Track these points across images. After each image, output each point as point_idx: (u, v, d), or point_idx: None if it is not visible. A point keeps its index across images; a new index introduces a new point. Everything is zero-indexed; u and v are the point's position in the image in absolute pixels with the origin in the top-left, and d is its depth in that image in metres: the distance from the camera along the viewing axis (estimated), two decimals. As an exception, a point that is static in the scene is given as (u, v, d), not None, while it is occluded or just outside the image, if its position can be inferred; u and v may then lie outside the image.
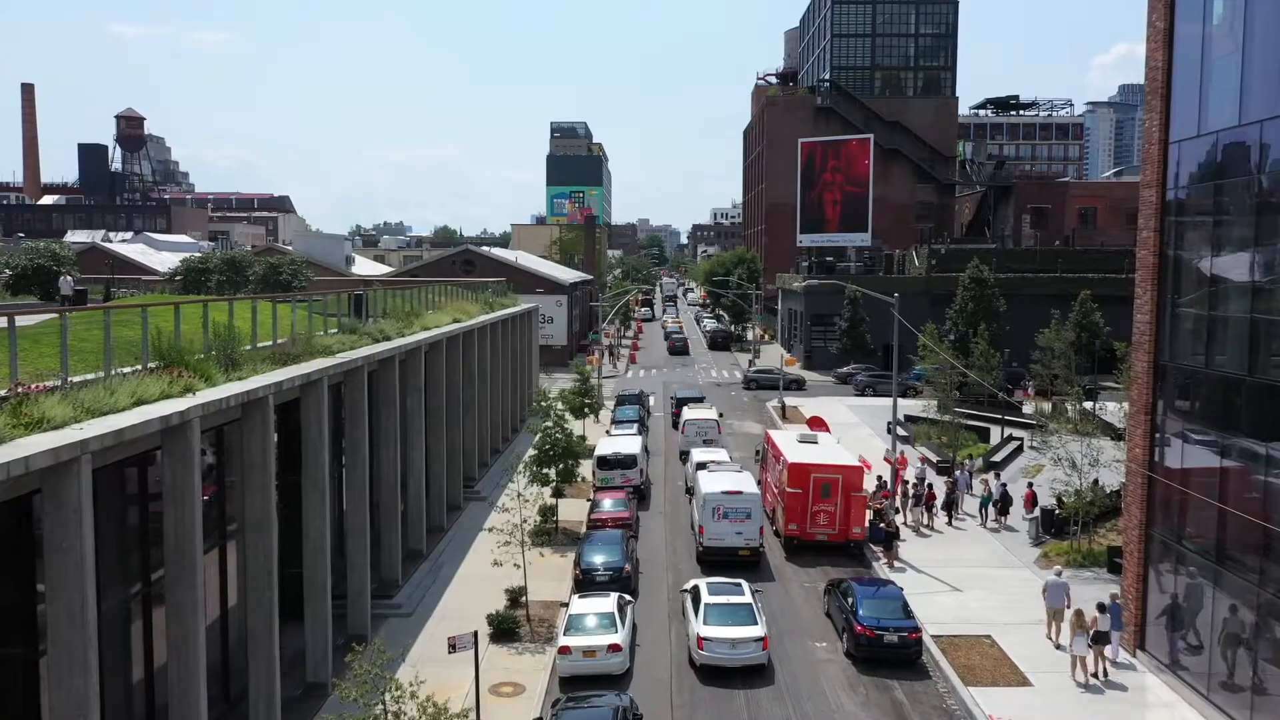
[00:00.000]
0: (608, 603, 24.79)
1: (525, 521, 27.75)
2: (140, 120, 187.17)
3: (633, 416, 51.46)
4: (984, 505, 36.04)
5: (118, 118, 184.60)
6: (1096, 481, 32.28)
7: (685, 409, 51.14)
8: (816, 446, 35.95)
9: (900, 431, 54.15)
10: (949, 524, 35.91)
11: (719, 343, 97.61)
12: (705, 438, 44.86)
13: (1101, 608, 23.82)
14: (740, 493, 31.47)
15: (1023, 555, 32.65)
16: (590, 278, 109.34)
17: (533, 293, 78.53)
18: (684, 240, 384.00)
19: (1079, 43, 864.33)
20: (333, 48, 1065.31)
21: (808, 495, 32.78)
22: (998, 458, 45.75)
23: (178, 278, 50.41)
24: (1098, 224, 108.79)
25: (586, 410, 48.39)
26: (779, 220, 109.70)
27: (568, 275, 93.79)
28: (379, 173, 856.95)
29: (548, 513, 35.63)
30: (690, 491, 38.37)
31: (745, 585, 26.11)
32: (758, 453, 42.06)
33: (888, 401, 67.98)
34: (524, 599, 27.55)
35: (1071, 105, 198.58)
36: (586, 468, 40.11)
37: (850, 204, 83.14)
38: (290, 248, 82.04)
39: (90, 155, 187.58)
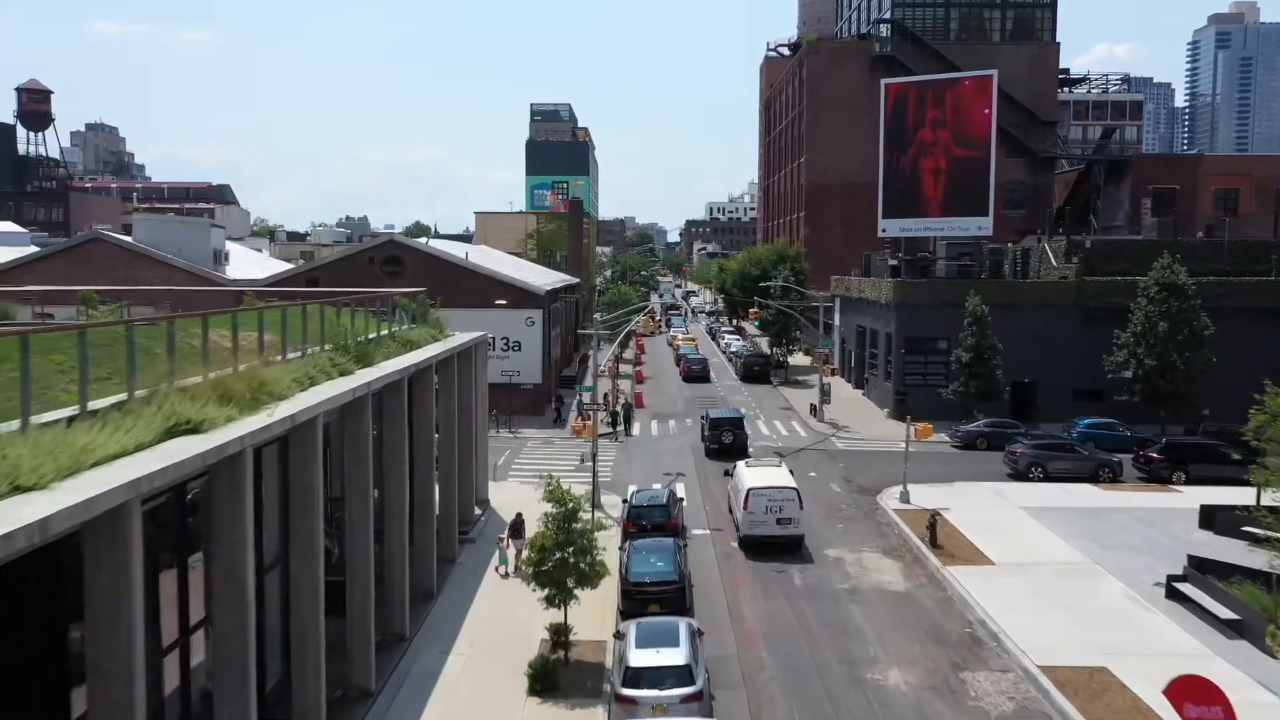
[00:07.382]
0: None
1: None
2: (46, 94, 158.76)
3: (667, 573, 25.07)
4: None
5: (19, 90, 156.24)
6: None
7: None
8: None
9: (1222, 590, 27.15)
10: None
11: (755, 373, 69.78)
12: (780, 516, 31.36)
13: None
14: None
15: None
16: (576, 280, 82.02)
17: (491, 306, 52.31)
18: (671, 239, 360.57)
19: (1065, 43, 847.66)
20: (321, 47, 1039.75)
21: None
22: None
23: None
24: (1239, 209, 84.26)
25: (575, 589, 21.84)
26: (826, 204, 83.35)
27: (545, 279, 66.87)
28: (365, 171, 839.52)
29: None
30: None
31: None
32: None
33: (1090, 496, 37.23)
34: None
35: (1129, 80, 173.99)
36: None
37: (961, 174, 56.20)
38: (126, 238, 54.85)
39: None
